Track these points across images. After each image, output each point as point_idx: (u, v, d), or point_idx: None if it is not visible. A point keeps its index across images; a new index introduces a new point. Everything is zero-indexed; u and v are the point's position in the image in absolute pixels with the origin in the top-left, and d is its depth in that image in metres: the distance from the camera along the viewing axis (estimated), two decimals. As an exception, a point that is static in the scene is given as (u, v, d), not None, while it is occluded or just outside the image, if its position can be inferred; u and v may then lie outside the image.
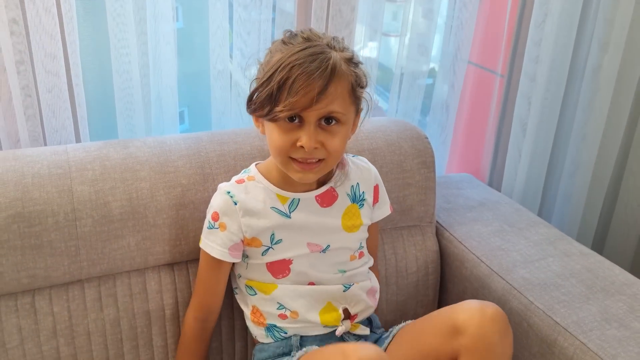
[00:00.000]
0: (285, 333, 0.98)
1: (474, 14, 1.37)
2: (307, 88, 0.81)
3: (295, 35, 0.88)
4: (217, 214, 0.93)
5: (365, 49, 1.37)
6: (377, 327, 1.06)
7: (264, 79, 0.84)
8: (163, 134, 1.23)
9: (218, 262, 0.95)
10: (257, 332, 1.01)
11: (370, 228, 1.06)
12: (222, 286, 0.99)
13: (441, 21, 1.40)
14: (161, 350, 1.03)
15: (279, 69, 0.82)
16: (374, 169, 1.05)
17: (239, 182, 0.96)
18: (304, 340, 0.98)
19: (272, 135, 0.88)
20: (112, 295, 1.00)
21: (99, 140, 1.07)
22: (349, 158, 1.02)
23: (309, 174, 0.89)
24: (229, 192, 0.94)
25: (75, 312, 0.97)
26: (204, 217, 1.02)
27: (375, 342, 1.02)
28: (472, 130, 1.55)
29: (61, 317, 0.97)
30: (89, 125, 1.16)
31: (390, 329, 1.02)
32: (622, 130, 1.52)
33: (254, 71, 0.93)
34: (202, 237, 0.96)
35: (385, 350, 0.97)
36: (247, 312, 1.01)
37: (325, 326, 0.98)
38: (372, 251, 1.09)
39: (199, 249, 1.03)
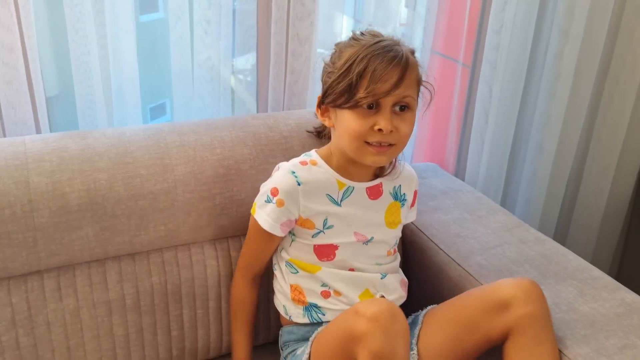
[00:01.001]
0: (324, 315, 1.02)
1: (436, 2, 1.38)
2: (387, 75, 0.90)
3: (363, 34, 0.97)
4: (277, 190, 0.98)
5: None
6: None
7: (341, 71, 0.92)
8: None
9: (269, 237, 1.00)
10: (294, 311, 1.04)
11: None
12: (269, 254, 1.05)
13: (405, 9, 1.41)
14: (122, 340, 1.04)
15: (357, 61, 0.91)
16: (415, 176, 1.12)
17: (303, 163, 1.01)
18: None
19: (349, 122, 0.94)
20: (71, 286, 1.00)
21: (58, 132, 1.07)
22: (401, 161, 1.09)
23: (382, 157, 0.96)
24: (293, 172, 0.99)
25: (35, 303, 0.98)
26: (164, 208, 1.04)
27: None
28: (438, 119, 1.57)
29: (20, 308, 0.97)
30: (49, 118, 1.16)
31: (414, 316, 1.05)
32: (583, 116, 1.55)
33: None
34: (257, 207, 1.00)
35: (418, 336, 0.99)
36: (286, 289, 1.04)
37: None
38: None
39: (159, 239, 1.05)
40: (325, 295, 1.02)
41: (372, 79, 0.90)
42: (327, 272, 1.02)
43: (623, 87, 1.53)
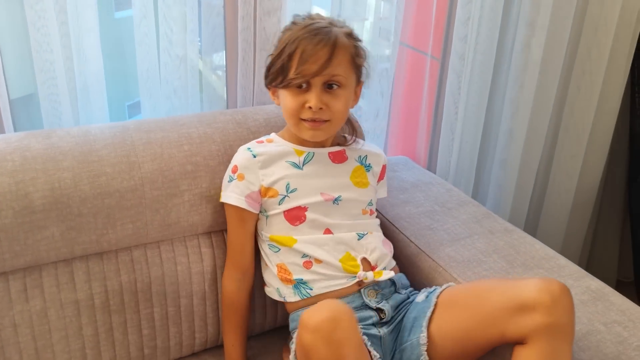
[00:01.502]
0: (311, 289, 1.02)
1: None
2: (315, 56, 0.96)
3: (303, 17, 1.03)
4: (237, 167, 1.04)
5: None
6: (403, 288, 1.07)
7: (276, 53, 1.00)
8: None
9: (241, 215, 1.04)
10: (286, 292, 1.05)
11: None
12: (250, 243, 1.07)
13: (374, 2, 1.41)
14: (92, 340, 1.04)
15: (289, 44, 0.98)
16: (383, 154, 1.17)
17: (259, 142, 1.08)
18: None
19: (285, 100, 1.02)
20: (38, 287, 0.99)
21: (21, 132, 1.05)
22: (363, 141, 1.15)
23: (318, 132, 1.02)
24: (248, 148, 1.06)
25: (0, 305, 0.97)
26: (131, 206, 1.03)
27: (402, 302, 1.03)
28: (409, 113, 1.58)
29: (-15, 310, 0.96)
30: (13, 120, 1.14)
31: (427, 292, 1.02)
32: (551, 107, 1.57)
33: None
34: (222, 192, 1.06)
35: (431, 316, 0.96)
36: (274, 270, 1.05)
37: (347, 273, 1.02)
38: None
39: (127, 237, 1.05)
40: (307, 265, 1.03)
41: (301, 60, 0.96)
42: (303, 242, 1.03)
43: (589, 77, 1.55)
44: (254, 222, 1.07)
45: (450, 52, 1.44)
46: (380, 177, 1.16)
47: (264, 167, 1.04)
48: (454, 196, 1.33)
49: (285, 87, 1.00)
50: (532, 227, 1.74)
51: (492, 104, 1.54)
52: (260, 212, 1.06)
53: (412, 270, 1.16)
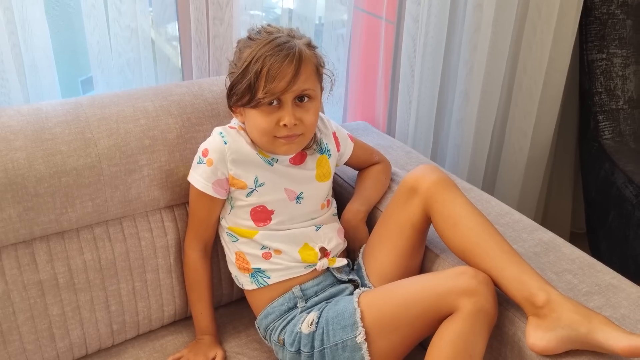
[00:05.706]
0: (269, 278, 1.04)
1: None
2: (282, 73, 0.94)
3: (259, 31, 1.00)
4: (207, 151, 1.02)
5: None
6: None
7: (239, 72, 0.96)
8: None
9: (207, 198, 1.03)
10: (243, 280, 1.08)
11: (354, 155, 1.18)
12: (213, 219, 1.08)
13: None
14: (58, 319, 1.03)
15: (253, 61, 0.94)
16: (324, 117, 1.14)
17: (232, 127, 1.05)
18: (304, 290, 1.04)
19: (255, 120, 0.99)
20: (-2, 269, 0.98)
21: (-32, 112, 1.02)
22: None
23: (293, 145, 1.01)
24: (221, 133, 1.03)
25: (-40, 290, 0.95)
26: (89, 184, 1.02)
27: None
28: (366, 78, 1.59)
29: (-55, 296, 0.94)
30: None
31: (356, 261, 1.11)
32: (504, 66, 1.60)
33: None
34: (191, 170, 1.05)
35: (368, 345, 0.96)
36: (232, 258, 1.08)
37: (306, 263, 1.05)
38: (370, 159, 1.21)
39: (87, 215, 1.04)
40: (267, 256, 1.05)
41: (268, 78, 0.94)
42: (263, 234, 1.05)
43: (540, 36, 1.59)
44: (220, 204, 1.06)
45: (405, 15, 1.45)
46: (337, 144, 1.14)
47: (233, 155, 1.01)
48: (413, 158, 1.36)
49: (255, 107, 0.97)
50: (489, 184, 1.79)
51: (447, 66, 1.56)
52: (227, 199, 1.06)
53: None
